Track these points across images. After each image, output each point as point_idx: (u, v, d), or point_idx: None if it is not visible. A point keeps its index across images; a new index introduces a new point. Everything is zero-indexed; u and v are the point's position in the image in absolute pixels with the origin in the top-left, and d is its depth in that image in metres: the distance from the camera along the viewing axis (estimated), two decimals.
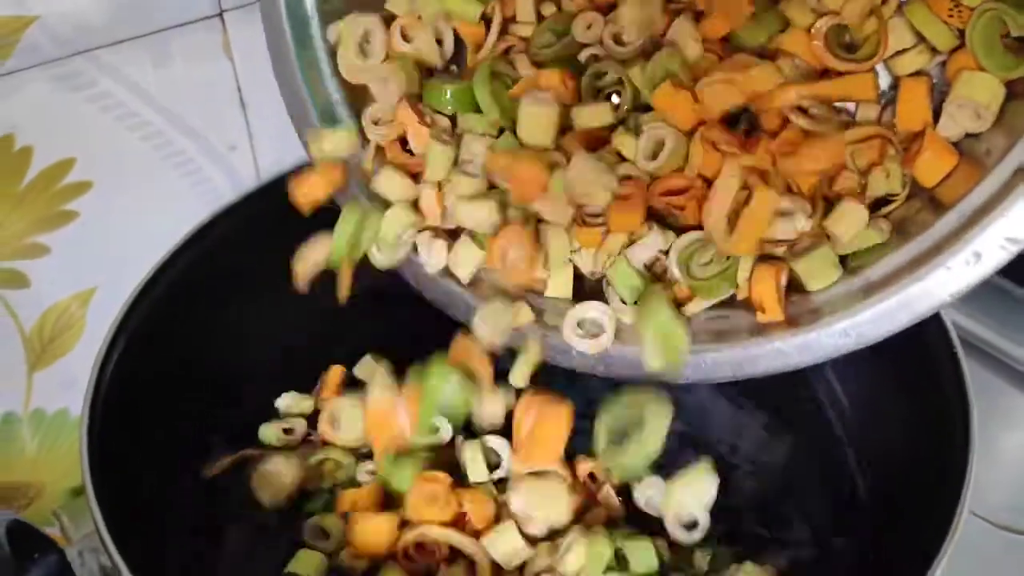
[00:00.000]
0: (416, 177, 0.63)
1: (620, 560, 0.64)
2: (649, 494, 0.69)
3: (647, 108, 0.59)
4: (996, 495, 0.83)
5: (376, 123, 0.65)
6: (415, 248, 0.64)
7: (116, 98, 0.76)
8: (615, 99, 0.61)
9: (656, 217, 0.58)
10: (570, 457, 0.69)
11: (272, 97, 0.85)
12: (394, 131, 0.64)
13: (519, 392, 0.62)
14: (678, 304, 0.57)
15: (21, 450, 0.88)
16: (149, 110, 0.78)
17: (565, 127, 0.60)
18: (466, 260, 0.61)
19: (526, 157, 0.57)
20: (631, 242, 0.57)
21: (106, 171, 0.79)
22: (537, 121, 0.58)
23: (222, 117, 0.84)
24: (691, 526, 0.63)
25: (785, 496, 0.75)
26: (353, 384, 0.80)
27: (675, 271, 0.57)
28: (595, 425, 0.60)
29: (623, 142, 0.58)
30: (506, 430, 0.67)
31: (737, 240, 0.53)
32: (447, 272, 0.63)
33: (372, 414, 0.65)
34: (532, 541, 0.65)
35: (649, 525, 0.68)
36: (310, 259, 0.64)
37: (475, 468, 0.69)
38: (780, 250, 0.55)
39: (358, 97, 0.67)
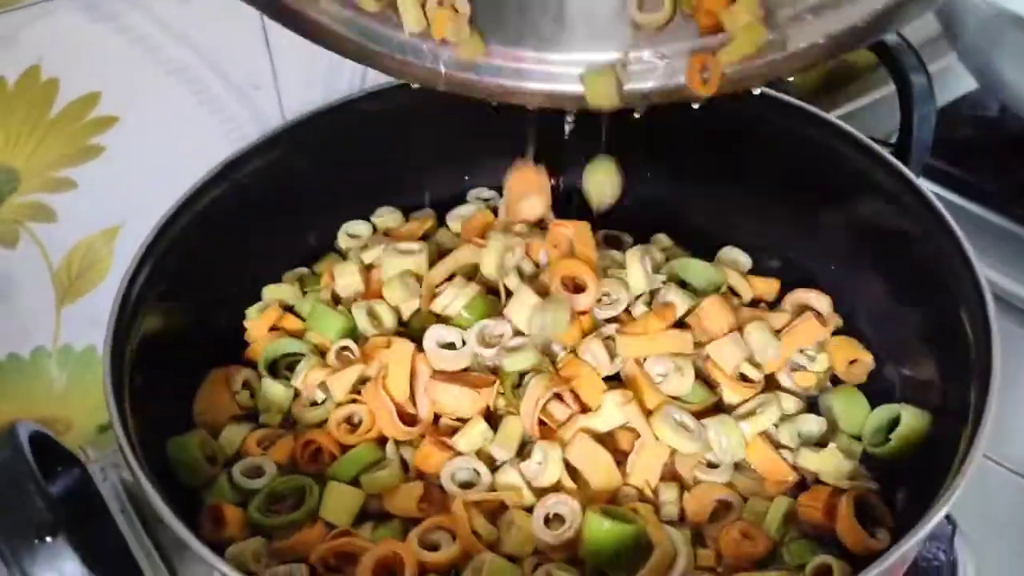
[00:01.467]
0: None
1: None
2: None
3: None
4: (1021, 446, 0.83)
5: None
6: None
7: (142, 32, 0.76)
8: None
9: None
10: None
11: (298, 37, 0.86)
12: None
13: None
14: None
15: (50, 385, 0.90)
16: (175, 45, 0.78)
17: None
18: None
19: None
20: None
21: (132, 106, 0.79)
22: None
23: (247, 55, 0.84)
24: None
25: None
26: None
27: None
28: None
29: None
30: None
31: None
32: None
33: None
34: None
35: None
36: None
37: None
38: None
39: None
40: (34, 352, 0.87)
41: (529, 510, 0.65)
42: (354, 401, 0.72)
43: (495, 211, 0.88)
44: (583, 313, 0.73)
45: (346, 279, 0.80)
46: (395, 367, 0.69)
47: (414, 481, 0.67)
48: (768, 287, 0.80)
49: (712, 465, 0.69)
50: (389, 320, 0.77)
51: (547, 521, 0.63)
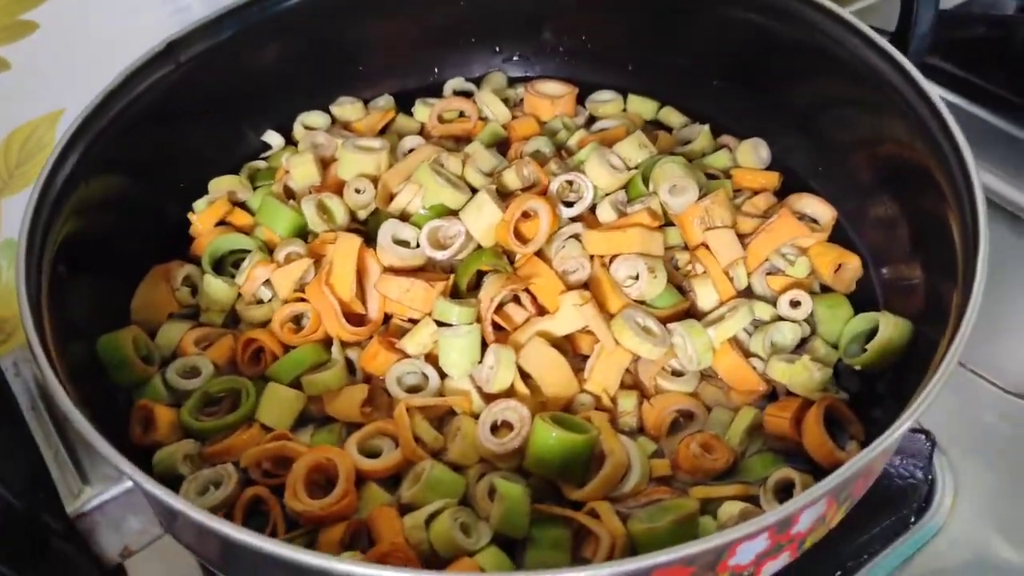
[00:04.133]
0: None
1: None
2: None
3: None
4: (1011, 363, 0.78)
5: None
6: None
7: None
8: None
9: None
10: None
11: None
12: None
13: None
14: None
15: None
16: None
17: None
18: None
19: None
20: None
21: None
22: None
23: None
24: None
25: None
26: None
27: None
28: None
29: None
30: None
31: None
32: None
33: None
34: None
35: None
36: None
37: None
38: None
39: None
40: None
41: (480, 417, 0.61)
42: (301, 300, 0.68)
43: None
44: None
45: (301, 169, 0.75)
46: (340, 261, 0.65)
47: (358, 384, 0.63)
48: (768, 179, 0.75)
49: (678, 373, 0.65)
50: (341, 216, 0.72)
51: (495, 429, 0.59)
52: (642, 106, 0.84)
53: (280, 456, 0.59)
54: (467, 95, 0.86)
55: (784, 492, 0.58)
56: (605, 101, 0.84)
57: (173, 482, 0.58)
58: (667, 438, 0.61)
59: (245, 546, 0.44)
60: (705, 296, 0.67)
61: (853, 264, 0.69)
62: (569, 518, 0.55)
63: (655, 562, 0.42)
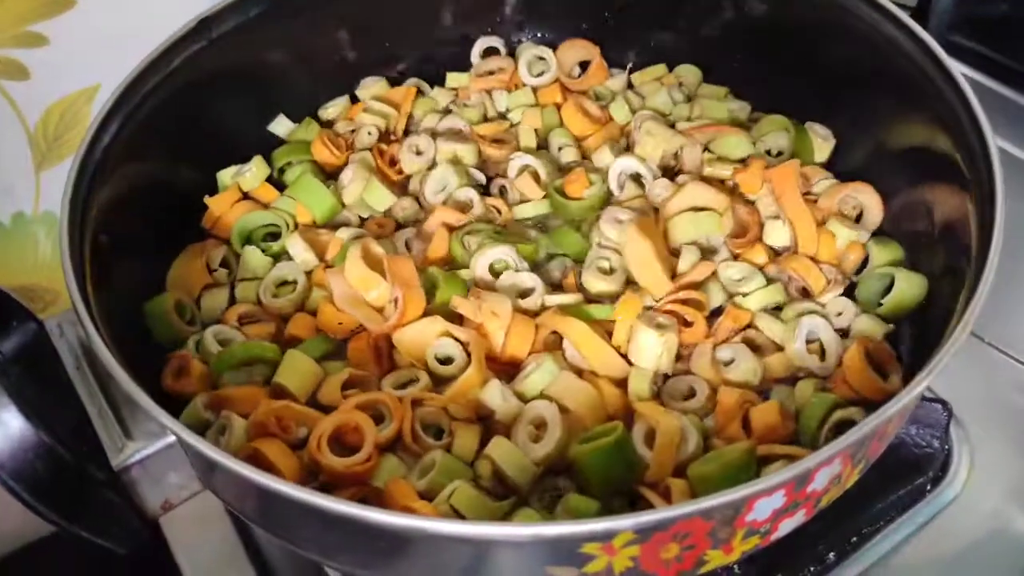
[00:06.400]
0: None
1: None
2: None
3: None
4: None
5: None
6: None
7: None
8: None
9: None
10: None
11: None
12: None
13: None
14: None
15: (33, 253, 0.88)
16: None
17: None
18: None
19: None
20: None
21: None
22: None
23: None
24: None
25: None
26: None
27: None
28: None
29: None
30: None
31: None
32: None
33: None
34: None
35: None
36: None
37: None
38: None
39: None
40: (15, 217, 0.85)
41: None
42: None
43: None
44: None
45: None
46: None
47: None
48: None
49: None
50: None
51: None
52: (690, 73, 0.86)
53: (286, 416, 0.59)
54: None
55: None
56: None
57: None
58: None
59: (290, 499, 0.45)
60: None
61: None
62: None
63: (674, 514, 0.44)
